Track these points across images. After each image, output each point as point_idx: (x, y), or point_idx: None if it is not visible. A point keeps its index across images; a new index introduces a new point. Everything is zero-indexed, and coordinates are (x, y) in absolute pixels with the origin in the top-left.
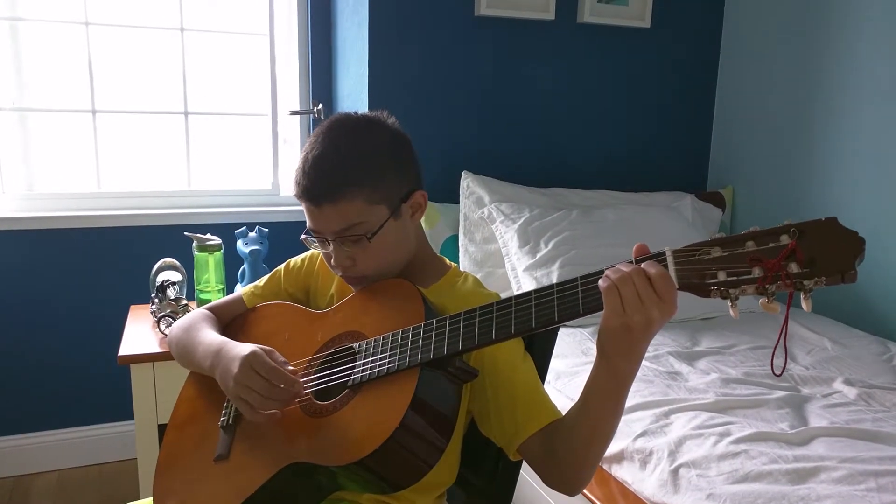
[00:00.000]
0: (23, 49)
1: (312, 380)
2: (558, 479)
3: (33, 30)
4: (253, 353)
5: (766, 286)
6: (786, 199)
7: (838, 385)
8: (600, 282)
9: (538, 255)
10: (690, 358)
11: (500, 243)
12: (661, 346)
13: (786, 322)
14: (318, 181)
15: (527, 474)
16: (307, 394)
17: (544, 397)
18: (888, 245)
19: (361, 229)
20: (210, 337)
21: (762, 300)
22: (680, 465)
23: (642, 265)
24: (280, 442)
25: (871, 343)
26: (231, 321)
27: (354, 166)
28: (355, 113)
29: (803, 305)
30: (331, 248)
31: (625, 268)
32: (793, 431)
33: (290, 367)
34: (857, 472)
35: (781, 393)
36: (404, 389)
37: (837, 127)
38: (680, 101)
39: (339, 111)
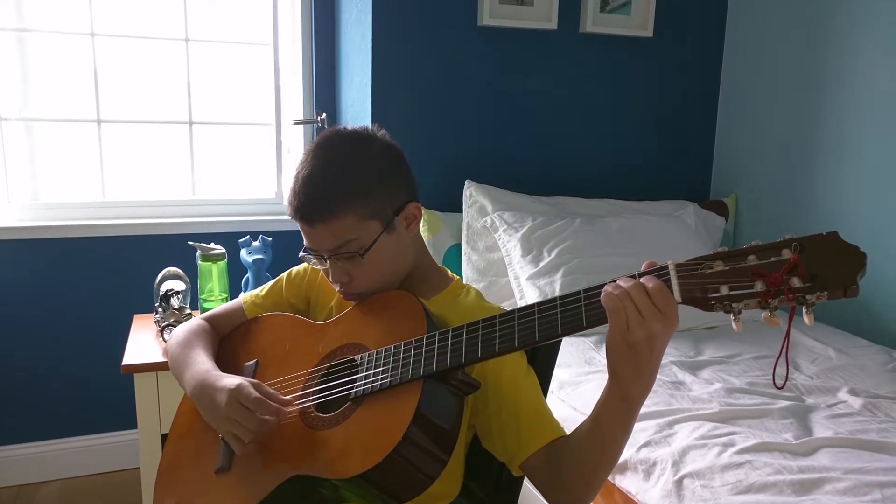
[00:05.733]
0: (29, 60)
1: (314, 392)
2: (562, 497)
3: (39, 41)
4: (239, 387)
5: (769, 300)
6: (789, 207)
7: (843, 395)
8: (602, 298)
9: (541, 264)
10: (694, 367)
11: (503, 252)
12: (664, 355)
13: (787, 336)
14: (308, 201)
15: (530, 486)
16: (309, 406)
17: (547, 414)
18: (893, 254)
19: (354, 246)
20: (197, 364)
21: (764, 314)
22: (684, 476)
23: (641, 279)
24: (282, 454)
25: (876, 353)
26: (231, 331)
27: (343, 184)
28: (344, 128)
29: (805, 319)
30: (327, 264)
31: (623, 283)
32: (797, 442)
33: (285, 398)
34: (862, 483)
35: (786, 403)
36: (407, 402)
37: (840, 136)
38: (683, 110)
39: (331, 127)
